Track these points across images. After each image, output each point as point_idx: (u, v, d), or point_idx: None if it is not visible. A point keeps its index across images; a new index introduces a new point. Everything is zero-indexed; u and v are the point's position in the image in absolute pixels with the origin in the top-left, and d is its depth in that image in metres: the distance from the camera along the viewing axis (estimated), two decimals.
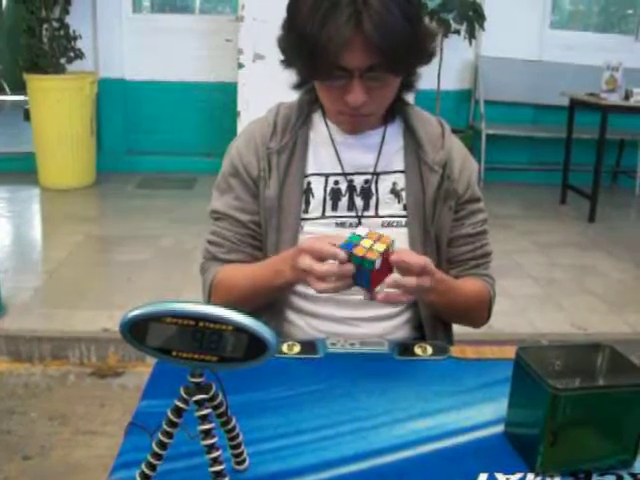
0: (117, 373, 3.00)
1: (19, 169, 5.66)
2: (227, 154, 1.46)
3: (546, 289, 3.86)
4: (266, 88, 3.75)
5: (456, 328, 1.53)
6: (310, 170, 1.41)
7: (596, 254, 4.47)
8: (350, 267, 1.13)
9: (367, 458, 0.99)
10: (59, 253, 4.04)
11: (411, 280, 1.16)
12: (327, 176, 1.40)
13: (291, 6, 1.27)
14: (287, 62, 1.34)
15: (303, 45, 1.21)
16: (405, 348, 1.30)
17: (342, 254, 1.13)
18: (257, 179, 1.40)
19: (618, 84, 4.97)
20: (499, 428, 1.06)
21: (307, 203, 1.39)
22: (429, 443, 1.03)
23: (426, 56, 1.31)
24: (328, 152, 1.40)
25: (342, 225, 1.38)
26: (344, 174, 1.40)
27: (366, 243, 1.13)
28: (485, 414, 1.10)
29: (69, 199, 5.22)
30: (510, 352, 1.05)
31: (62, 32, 5.19)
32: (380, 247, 1.12)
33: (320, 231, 1.37)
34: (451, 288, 1.33)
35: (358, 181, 1.40)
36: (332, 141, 1.40)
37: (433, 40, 1.32)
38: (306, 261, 1.17)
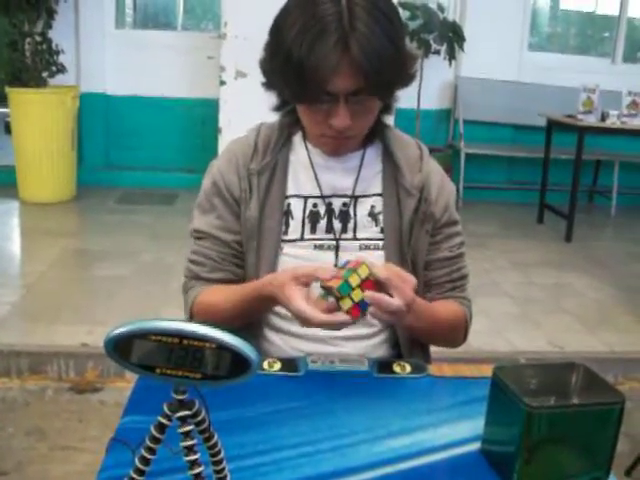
0: (95, 388, 2.98)
1: None
2: (208, 173, 1.46)
3: (523, 308, 3.90)
4: (248, 105, 3.76)
5: (434, 347, 1.55)
6: (290, 192, 1.42)
7: (573, 273, 4.53)
8: (345, 318, 1.16)
9: (346, 475, 1.00)
10: (38, 267, 4.02)
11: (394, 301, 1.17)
12: (306, 198, 1.41)
13: (276, 30, 1.27)
14: (269, 84, 1.35)
15: (289, 70, 1.21)
16: (384, 366, 1.32)
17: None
18: (239, 199, 1.40)
19: (595, 106, 5.05)
20: (476, 445, 1.08)
21: (286, 225, 1.40)
22: (407, 460, 1.04)
23: (407, 79, 1.33)
24: (307, 174, 1.42)
25: (320, 247, 1.40)
26: (322, 197, 1.41)
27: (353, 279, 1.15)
28: (462, 431, 1.12)
29: (49, 213, 5.19)
30: (487, 370, 1.06)
31: (44, 46, 5.19)
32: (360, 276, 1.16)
33: (299, 253, 1.39)
34: (427, 311, 1.35)
35: (336, 204, 1.41)
36: (311, 164, 1.41)
37: (414, 63, 1.34)
38: (298, 305, 1.18)
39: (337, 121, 1.26)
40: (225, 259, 1.42)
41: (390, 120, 1.48)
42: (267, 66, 1.32)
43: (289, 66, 1.21)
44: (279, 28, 1.26)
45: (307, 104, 1.28)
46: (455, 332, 1.48)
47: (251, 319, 1.41)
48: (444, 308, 1.43)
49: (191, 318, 1.42)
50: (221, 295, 1.39)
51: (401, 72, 1.29)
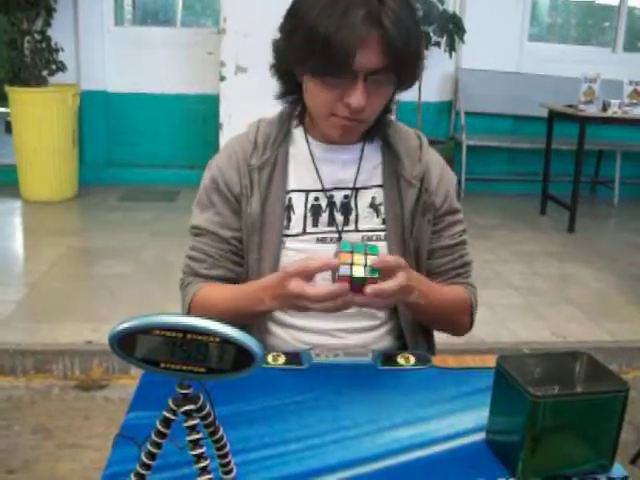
0: (101, 386, 2.99)
1: (0, 181, 5.63)
2: (207, 170, 1.46)
3: (527, 299, 3.90)
4: (248, 101, 3.78)
5: (438, 338, 1.55)
6: (291, 186, 1.42)
7: (576, 264, 4.52)
8: (345, 286, 1.14)
9: (351, 467, 1.00)
10: (41, 266, 4.02)
11: (391, 284, 1.16)
12: (307, 192, 1.41)
13: (295, 9, 1.25)
14: (279, 66, 1.33)
15: (314, 45, 1.19)
16: (388, 358, 1.32)
17: (332, 262, 1.15)
18: (239, 195, 1.40)
19: (596, 95, 5.04)
20: (481, 436, 1.08)
21: (288, 219, 1.40)
22: (412, 451, 1.05)
23: (420, 69, 1.31)
24: (308, 168, 1.41)
25: (323, 241, 1.40)
26: (324, 190, 1.41)
27: (358, 258, 1.14)
28: (467, 422, 1.12)
29: (51, 212, 5.19)
30: (491, 361, 1.07)
31: (44, 44, 5.17)
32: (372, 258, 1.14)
33: (301, 247, 1.39)
34: (431, 288, 1.34)
35: (338, 196, 1.41)
36: (312, 157, 1.41)
37: (424, 54, 1.34)
38: (297, 285, 1.16)
39: (354, 99, 1.23)
40: (223, 256, 1.42)
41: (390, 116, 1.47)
42: (281, 44, 1.30)
43: (314, 42, 1.19)
44: (300, 6, 1.25)
45: (330, 77, 1.24)
46: (460, 313, 1.47)
47: (248, 321, 1.39)
48: (449, 289, 1.43)
49: (188, 314, 1.42)
50: (219, 295, 1.39)
51: (420, 56, 1.28)
